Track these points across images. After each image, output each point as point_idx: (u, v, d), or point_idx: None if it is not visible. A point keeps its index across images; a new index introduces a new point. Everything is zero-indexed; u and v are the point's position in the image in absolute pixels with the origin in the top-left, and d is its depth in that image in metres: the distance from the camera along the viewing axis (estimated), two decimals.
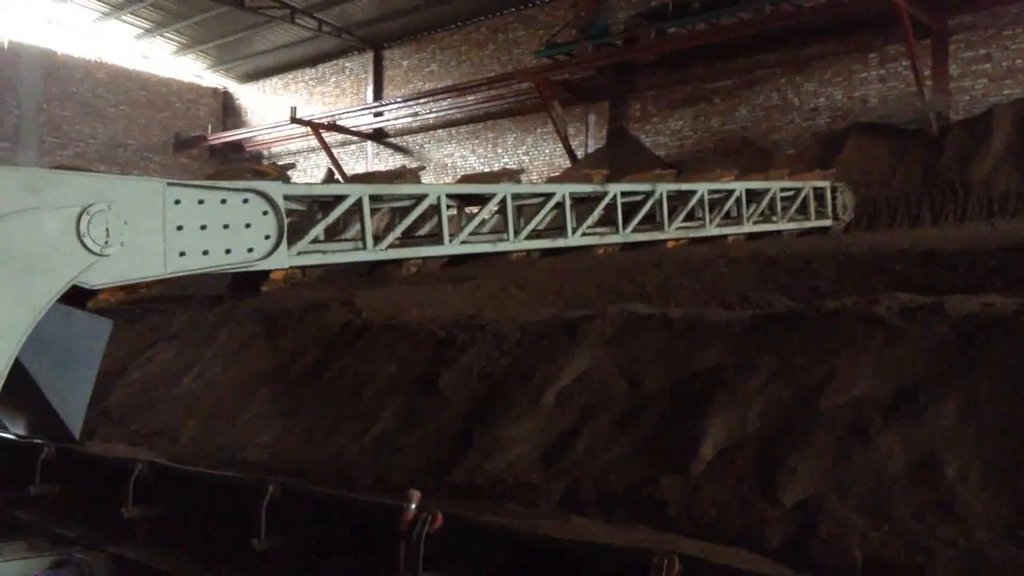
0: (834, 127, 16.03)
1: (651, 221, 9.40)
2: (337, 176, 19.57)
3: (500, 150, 20.26)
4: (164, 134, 22.52)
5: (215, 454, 5.08)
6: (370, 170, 20.70)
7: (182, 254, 5.67)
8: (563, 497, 3.76)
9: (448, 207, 7.50)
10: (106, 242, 5.18)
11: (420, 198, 7.30)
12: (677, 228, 9.56)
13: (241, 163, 22.73)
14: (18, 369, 4.92)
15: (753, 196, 10.77)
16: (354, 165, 21.77)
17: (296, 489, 4.13)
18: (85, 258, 5.11)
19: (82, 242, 5.10)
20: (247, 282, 6.67)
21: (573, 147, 18.76)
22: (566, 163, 18.56)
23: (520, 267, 8.05)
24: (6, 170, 5.64)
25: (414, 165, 21.02)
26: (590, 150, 18.85)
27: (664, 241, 9.67)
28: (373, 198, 6.93)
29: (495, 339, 4.93)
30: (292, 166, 9.24)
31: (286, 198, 6.23)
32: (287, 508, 4.09)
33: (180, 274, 5.74)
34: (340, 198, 6.77)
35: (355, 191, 6.85)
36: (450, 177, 19.94)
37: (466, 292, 6.89)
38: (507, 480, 3.95)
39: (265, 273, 6.50)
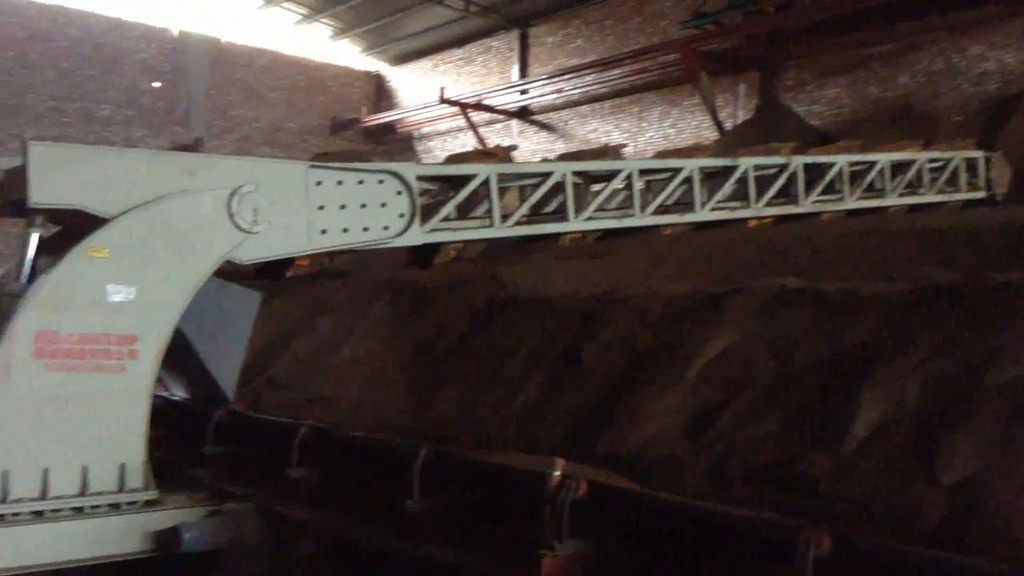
0: (1005, 92, 14.96)
1: (786, 194, 9.08)
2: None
3: (645, 124, 20.01)
4: (321, 117, 23.46)
5: (371, 420, 5.32)
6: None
7: (323, 232, 5.98)
8: (708, 471, 3.74)
9: (574, 184, 7.53)
10: (254, 221, 5.53)
11: (546, 175, 7.36)
12: (814, 202, 9.19)
13: (393, 144, 23.43)
14: (179, 337, 5.39)
15: (898, 168, 10.22)
16: (499, 143, 22.04)
17: (446, 454, 4.30)
18: (236, 236, 5.49)
19: (233, 221, 5.47)
20: (421, 256, 6.93)
21: (721, 119, 18.32)
22: (714, 135, 18.15)
23: (663, 242, 7.98)
24: (166, 155, 6.11)
25: (559, 142, 21.06)
26: (739, 121, 18.35)
27: (817, 214, 9.32)
28: (501, 176, 7.06)
29: (637, 313, 4.93)
30: (514, 147, 9.49)
31: (418, 178, 6.47)
32: (437, 472, 4.26)
33: (321, 251, 6.08)
34: (469, 177, 6.93)
35: (483, 171, 7.03)
36: None
37: (608, 266, 6.90)
38: (650, 453, 3.96)
39: (436, 248, 6.68)
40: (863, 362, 3.80)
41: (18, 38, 17.80)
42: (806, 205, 9.12)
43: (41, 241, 5.26)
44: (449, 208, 6.82)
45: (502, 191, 7.34)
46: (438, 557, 4.14)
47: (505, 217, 7.06)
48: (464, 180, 6.93)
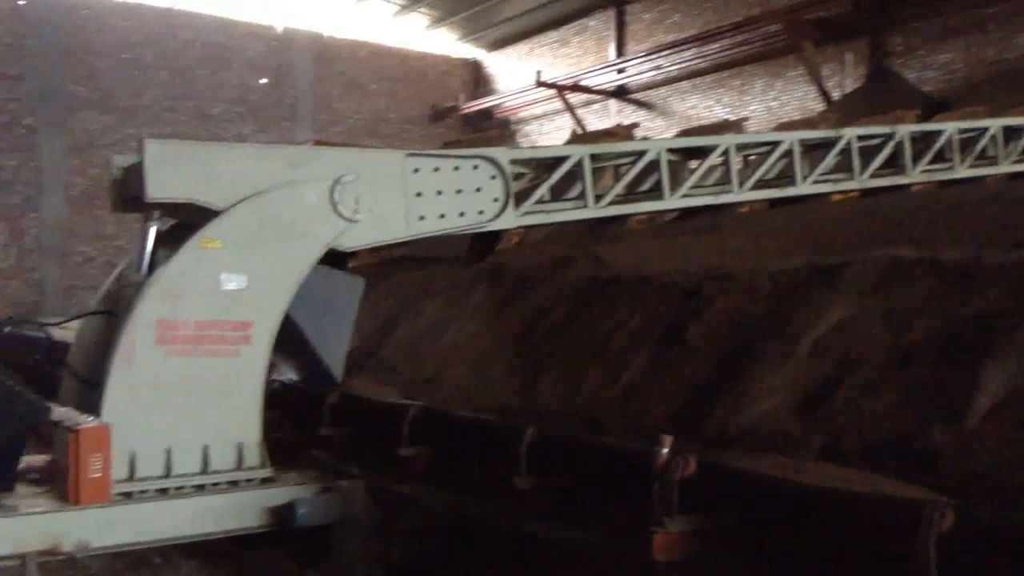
0: None
1: (893, 164, 8.71)
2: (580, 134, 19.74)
3: (747, 97, 19.52)
4: (421, 106, 23.75)
5: (476, 400, 5.40)
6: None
7: (421, 218, 6.06)
8: (822, 448, 3.66)
9: (669, 161, 7.41)
10: (355, 209, 5.65)
11: (640, 154, 7.27)
12: (922, 171, 8.77)
13: (490, 129, 23.54)
14: (288, 322, 5.53)
15: (1012, 133, 9.65)
16: (597, 124, 21.87)
17: (552, 433, 4.32)
18: (338, 224, 5.62)
19: (336, 209, 5.61)
20: (484, 243, 7.06)
21: (828, 89, 17.72)
22: (820, 106, 17.57)
23: (768, 216, 7.78)
24: (271, 149, 6.32)
25: (659, 120, 20.78)
26: (847, 91, 17.72)
27: (908, 185, 8.90)
28: (594, 157, 7.02)
29: (744, 288, 4.84)
30: (636, 125, 9.41)
31: (512, 162, 6.51)
32: (544, 451, 4.29)
33: (419, 236, 6.18)
34: (562, 159, 6.92)
35: (575, 152, 6.99)
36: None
37: (711, 243, 6.78)
38: (761, 430, 3.90)
39: (498, 234, 6.83)
40: (985, 334, 3.64)
41: (133, 41, 18.62)
42: (914, 175, 8.73)
43: (158, 234, 5.52)
44: (543, 190, 6.84)
45: (601, 172, 7.30)
46: (547, 534, 4.18)
47: (599, 197, 7.02)
48: (557, 162, 6.93)
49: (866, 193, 8.62)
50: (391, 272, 7.44)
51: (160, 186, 5.23)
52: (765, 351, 4.28)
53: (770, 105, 19.05)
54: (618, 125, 10.88)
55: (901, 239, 5.92)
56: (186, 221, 5.62)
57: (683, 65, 20.29)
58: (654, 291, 5.21)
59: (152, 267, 5.37)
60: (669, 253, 6.25)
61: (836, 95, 17.73)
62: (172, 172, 5.30)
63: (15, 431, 4.94)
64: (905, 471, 3.32)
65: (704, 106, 20.26)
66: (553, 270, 6.24)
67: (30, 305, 16.38)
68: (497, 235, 6.88)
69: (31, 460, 5.32)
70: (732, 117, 19.16)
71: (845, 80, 17.91)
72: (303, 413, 6.23)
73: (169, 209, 5.56)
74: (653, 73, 21.02)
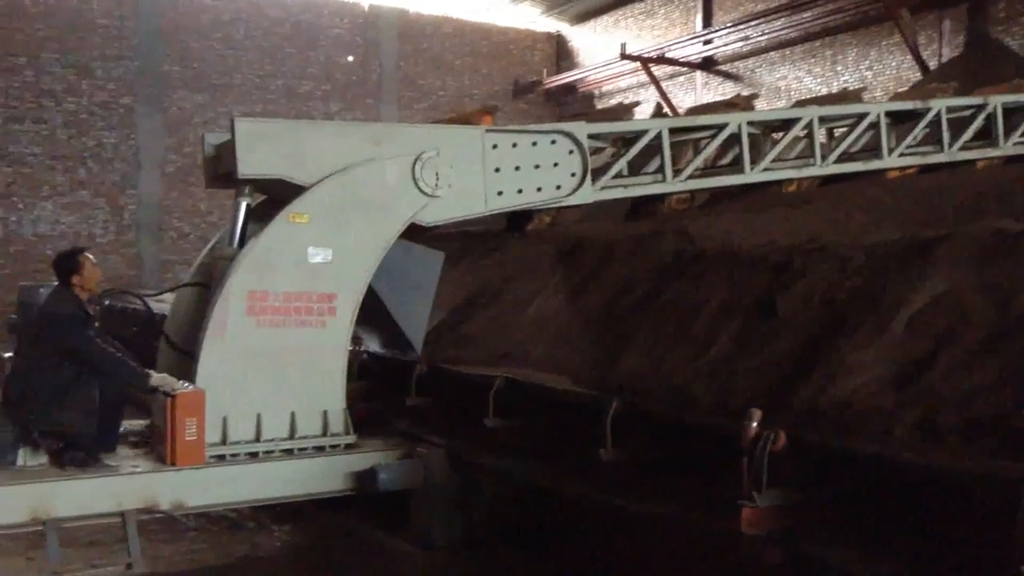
0: None
1: (986, 136, 8.33)
2: (666, 109, 19.47)
3: (839, 68, 18.89)
4: (504, 81, 23.67)
5: (560, 374, 5.41)
6: (699, 103, 20.34)
7: (499, 193, 6.17)
8: (918, 424, 3.56)
9: (750, 135, 7.25)
10: (436, 185, 5.81)
11: (720, 127, 7.12)
12: (1015, 143, 8.39)
13: (573, 104, 23.39)
14: (371, 295, 5.74)
15: None
16: (683, 97, 21.49)
17: (638, 406, 4.31)
18: (419, 199, 5.79)
19: (417, 185, 5.77)
20: (518, 222, 7.07)
21: (924, 58, 17.04)
22: (916, 76, 16.90)
23: (861, 189, 7.56)
24: (355, 126, 6.48)
25: (746, 92, 20.32)
26: (944, 60, 17.01)
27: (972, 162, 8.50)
28: (673, 131, 6.91)
29: (838, 262, 4.72)
30: (756, 95, 9.21)
31: (590, 136, 6.48)
32: (630, 424, 4.28)
33: (497, 212, 6.24)
34: (640, 133, 6.84)
35: (654, 125, 6.92)
36: (783, 102, 19.00)
37: (801, 217, 6.63)
38: (854, 405, 3.81)
39: (530, 216, 6.85)
40: None
41: (224, 20, 19.01)
42: (1007, 148, 8.37)
43: (249, 209, 5.70)
44: (620, 165, 6.79)
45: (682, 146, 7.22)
46: (633, 507, 4.18)
47: (677, 171, 6.94)
48: (636, 136, 6.86)
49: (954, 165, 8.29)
50: (476, 246, 7.49)
51: (250, 163, 5.43)
52: (859, 325, 4.17)
53: (864, 76, 18.40)
54: (738, 95, 10.60)
55: (1001, 211, 5.69)
56: (275, 197, 5.79)
57: (772, 35, 19.74)
58: (743, 264, 5.12)
59: (243, 241, 5.57)
60: (756, 227, 6.14)
61: (933, 65, 17.04)
62: (261, 149, 5.47)
63: (118, 395, 5.19)
64: (1002, 449, 3.21)
65: (794, 77, 19.70)
66: (639, 244, 6.19)
67: (128, 279, 16.99)
68: (529, 215, 6.91)
69: (130, 425, 5.60)
70: (823, 89, 18.61)
71: (943, 49, 17.18)
72: (392, 384, 6.34)
73: (259, 185, 5.74)
74: (741, 44, 20.51)
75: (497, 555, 5.24)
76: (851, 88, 13.98)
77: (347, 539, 5.78)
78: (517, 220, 7.04)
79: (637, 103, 10.08)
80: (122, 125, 17.95)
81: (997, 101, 8.38)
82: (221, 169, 5.83)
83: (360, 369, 6.61)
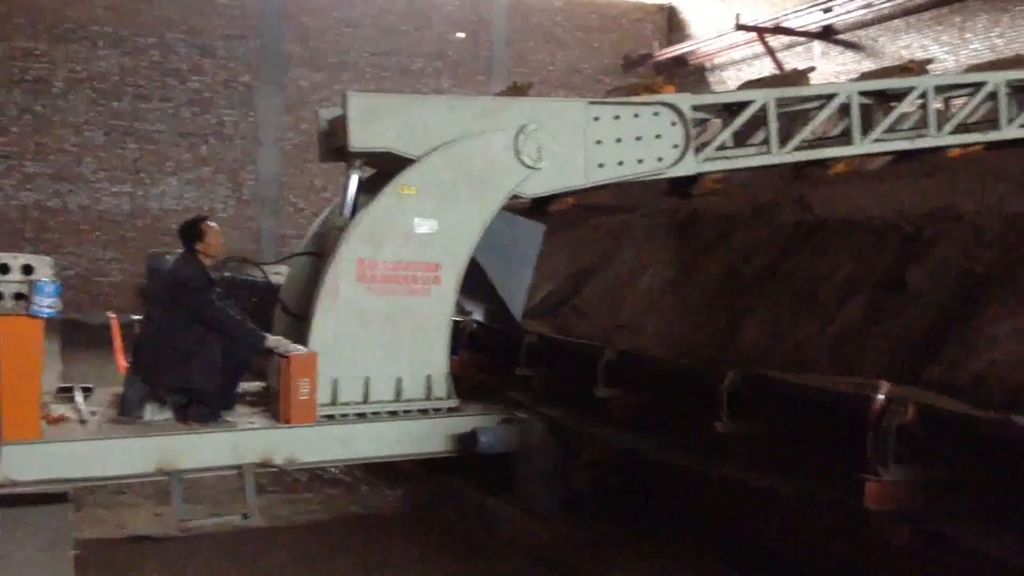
0: None
1: None
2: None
3: (969, 35, 17.88)
4: (614, 55, 23.35)
5: (675, 347, 5.31)
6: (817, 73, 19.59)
7: (600, 165, 6.14)
8: None
9: (861, 105, 6.92)
10: (538, 157, 5.87)
11: (829, 98, 6.83)
12: None
13: (685, 77, 22.91)
14: (473, 265, 5.86)
15: None
16: (798, 67, 20.80)
17: (755, 377, 4.18)
18: (522, 171, 5.87)
19: (519, 158, 5.85)
20: (679, 188, 6.89)
21: None
22: None
23: (999, 158, 7.12)
24: (461, 100, 6.55)
25: (867, 62, 19.49)
26: None
27: None
28: (780, 101, 6.67)
29: (972, 232, 4.46)
30: (812, 68, 8.86)
31: (694, 107, 6.33)
32: (747, 395, 4.16)
33: (598, 184, 6.19)
34: (745, 104, 6.63)
35: (760, 96, 6.69)
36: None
37: (931, 186, 6.29)
38: (990, 379, 3.60)
39: (693, 179, 6.68)
40: None
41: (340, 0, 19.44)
42: None
43: (360, 181, 5.87)
44: (724, 136, 6.61)
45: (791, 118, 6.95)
46: (750, 481, 4.07)
47: (784, 142, 6.70)
48: (740, 107, 6.66)
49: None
50: (589, 218, 7.42)
51: (362, 136, 5.59)
52: (995, 297, 3.93)
53: (995, 43, 17.36)
54: (794, 70, 10.20)
55: None
56: (384, 170, 5.92)
57: (899, 2, 18.85)
58: (870, 234, 4.90)
59: (354, 212, 5.74)
60: (881, 196, 5.85)
61: None
62: (372, 123, 5.63)
63: (238, 357, 5.42)
64: None
65: (919, 45, 18.76)
66: (756, 215, 6.00)
67: (247, 252, 17.54)
68: (694, 179, 6.73)
69: (247, 386, 5.84)
70: (950, 57, 17.67)
71: None
72: (502, 354, 6.37)
73: (369, 158, 5.88)
74: (863, 11, 19.64)
75: (597, 521, 5.24)
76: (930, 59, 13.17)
77: (452, 501, 5.91)
78: (679, 183, 6.91)
79: (812, 68, 9.67)
80: (242, 103, 18.55)
81: None
82: (334, 143, 6.00)
83: (471, 339, 6.67)
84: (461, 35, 20.74)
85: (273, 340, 5.43)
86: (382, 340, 5.55)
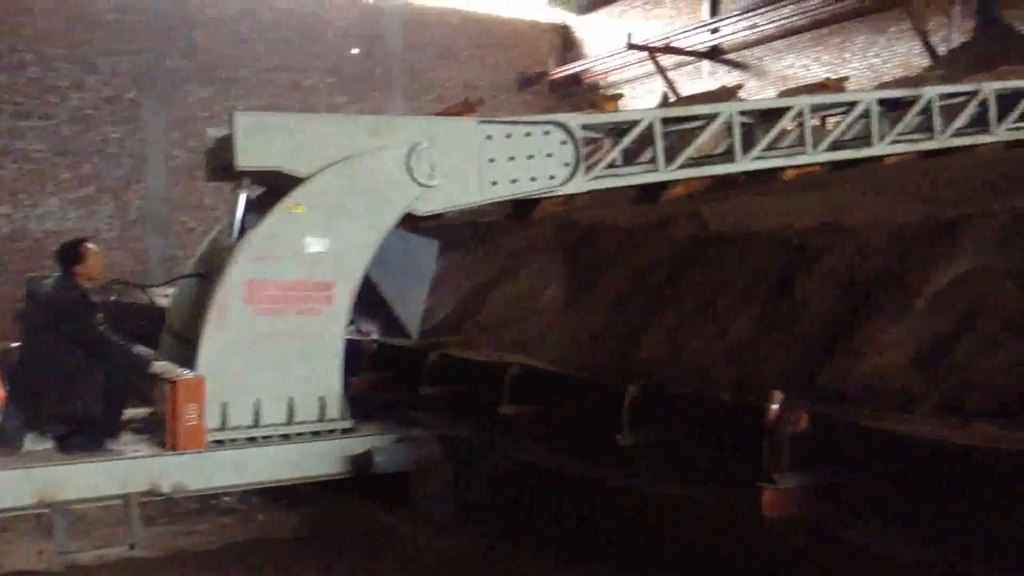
0: None
1: (980, 123, 8.26)
2: (672, 99, 19.35)
3: (847, 55, 18.75)
4: (510, 73, 23.55)
5: (578, 360, 5.34)
6: (704, 90, 20.23)
7: (494, 183, 6.24)
8: (942, 403, 3.48)
9: (742, 124, 7.22)
10: (431, 175, 5.89)
11: (712, 117, 7.11)
12: (1007, 130, 8.32)
13: (580, 95, 23.27)
14: (368, 283, 5.84)
15: None
16: (689, 86, 21.39)
17: (655, 390, 4.24)
18: (415, 189, 5.90)
19: (412, 176, 5.87)
20: (523, 208, 7.09)
21: (933, 44, 16.90)
22: (925, 62, 16.77)
23: (881, 172, 7.47)
24: (351, 118, 6.61)
25: (753, 81, 20.21)
26: (954, 45, 16.87)
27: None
28: (665, 121, 6.91)
29: (858, 243, 4.64)
30: (740, 86, 9.10)
31: (583, 127, 6.50)
32: (649, 407, 4.21)
33: (492, 201, 6.28)
34: (632, 123, 6.84)
35: (645, 116, 6.93)
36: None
37: (816, 200, 6.54)
38: (876, 385, 3.73)
39: (536, 202, 6.88)
40: None
41: (230, 14, 18.92)
42: (999, 133, 8.31)
43: (248, 201, 5.79)
44: (614, 154, 6.80)
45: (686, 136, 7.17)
46: (652, 490, 4.12)
47: (670, 160, 6.92)
48: (628, 126, 6.86)
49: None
50: (487, 234, 7.44)
51: (249, 155, 5.52)
52: (881, 306, 4.09)
53: (872, 63, 18.27)
54: (722, 87, 10.60)
55: (1018, 192, 5.59)
56: (274, 189, 5.84)
57: (780, 23, 19.61)
58: (761, 247, 5.04)
59: (242, 232, 5.65)
60: (773, 210, 6.04)
61: (943, 51, 16.91)
62: (260, 142, 5.57)
63: (122, 382, 5.23)
64: None
65: (801, 65, 19.58)
66: (654, 230, 6.11)
67: (134, 274, 16.88)
68: (535, 202, 6.92)
69: (132, 412, 5.65)
70: (832, 76, 18.48)
71: (953, 34, 17.05)
72: (405, 373, 6.30)
73: (257, 177, 5.82)
74: (748, 32, 20.40)
75: (499, 535, 5.25)
76: (845, 77, 13.86)
77: (350, 521, 5.86)
78: (522, 207, 7.05)
79: (740, 85, 10.08)
80: (128, 120, 17.90)
81: (990, 88, 8.32)
82: (222, 162, 5.91)
83: (372, 359, 6.58)
84: (355, 51, 20.55)
85: (159, 364, 5.29)
86: (273, 362, 5.46)
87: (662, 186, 6.94)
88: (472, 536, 5.24)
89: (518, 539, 5.17)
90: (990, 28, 16.37)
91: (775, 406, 3.46)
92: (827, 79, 10.27)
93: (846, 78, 12.68)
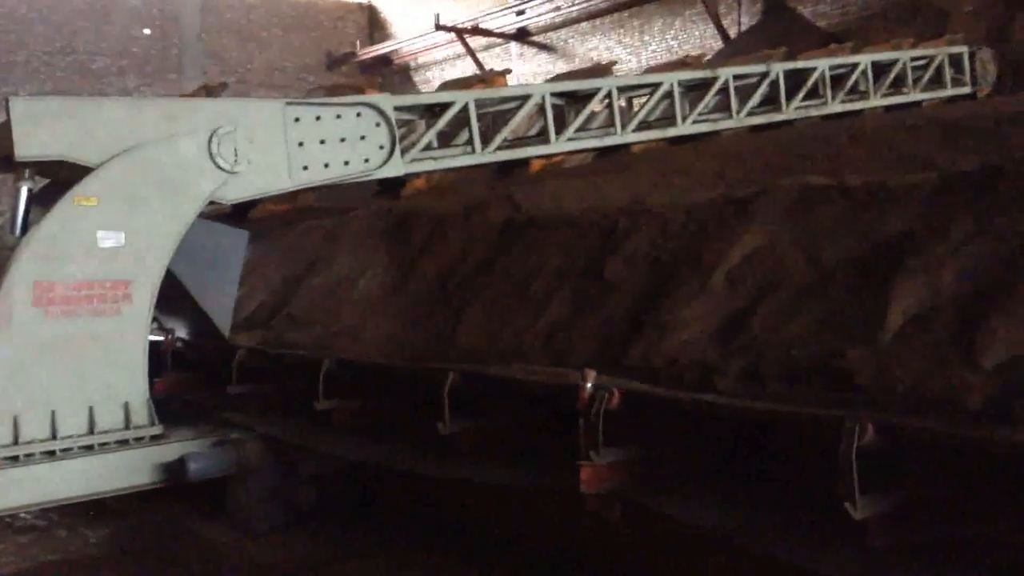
0: None
1: (772, 102, 8.91)
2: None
3: (647, 38, 19.55)
4: (317, 54, 23.00)
5: (396, 350, 5.29)
6: (515, 74, 20.50)
7: (305, 168, 6.01)
8: (742, 373, 3.68)
9: (554, 105, 7.41)
10: (235, 160, 5.61)
11: (525, 99, 7.24)
12: (796, 108, 9.02)
13: (390, 76, 23.02)
14: (171, 278, 5.50)
15: (881, 68, 9.92)
16: (499, 68, 21.65)
17: (475, 374, 4.26)
18: (218, 176, 5.58)
19: (214, 162, 5.55)
20: (389, 189, 6.98)
21: (725, 26, 17.88)
22: (718, 45, 17.74)
23: (680, 153, 7.82)
24: (145, 102, 6.16)
25: (561, 62, 20.67)
26: (744, 28, 17.92)
27: (844, 114, 9.10)
28: (479, 103, 6.97)
29: (659, 223, 4.84)
30: (508, 71, 9.05)
31: (396, 108, 6.43)
32: (468, 394, 4.23)
33: (305, 187, 6.12)
34: (447, 105, 6.85)
35: (460, 97, 6.94)
36: None
37: (623, 182, 6.77)
38: (682, 360, 3.90)
39: (402, 181, 6.78)
40: (896, 254, 3.71)
41: None
42: (789, 112, 8.95)
43: (32, 194, 5.33)
44: (429, 137, 6.76)
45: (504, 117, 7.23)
46: (475, 477, 4.14)
47: (486, 143, 6.98)
48: (443, 108, 6.84)
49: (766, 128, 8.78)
50: (298, 222, 7.22)
51: (28, 144, 5.07)
52: (683, 283, 4.28)
53: (670, 45, 19.12)
54: (490, 70, 10.74)
55: (809, 168, 6.01)
56: (60, 181, 5.40)
57: (583, 6, 20.15)
58: (572, 230, 5.16)
59: (25, 229, 5.18)
60: (583, 193, 6.20)
61: (734, 33, 17.92)
62: (41, 129, 5.12)
63: None
64: (824, 390, 3.37)
65: (604, 47, 20.22)
66: (468, 215, 6.13)
67: None
68: (403, 179, 6.80)
69: None
70: (633, 58, 19.20)
71: (743, 17, 18.10)
72: (213, 372, 6.04)
73: (41, 168, 5.37)
74: (553, 14, 20.84)
75: (324, 537, 5.14)
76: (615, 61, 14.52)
77: (166, 533, 5.57)
78: (389, 184, 6.84)
79: (508, 70, 10.09)
80: None
81: (779, 69, 8.91)
82: (0, 152, 5.37)
83: (175, 358, 6.26)
84: (147, 31, 19.41)
85: None
86: (68, 369, 5.05)
87: (403, 180, 6.87)
88: (298, 543, 5.09)
89: (348, 542, 5.06)
90: (775, 12, 17.51)
91: (589, 385, 3.55)
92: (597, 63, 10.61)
93: (615, 63, 13.29)
